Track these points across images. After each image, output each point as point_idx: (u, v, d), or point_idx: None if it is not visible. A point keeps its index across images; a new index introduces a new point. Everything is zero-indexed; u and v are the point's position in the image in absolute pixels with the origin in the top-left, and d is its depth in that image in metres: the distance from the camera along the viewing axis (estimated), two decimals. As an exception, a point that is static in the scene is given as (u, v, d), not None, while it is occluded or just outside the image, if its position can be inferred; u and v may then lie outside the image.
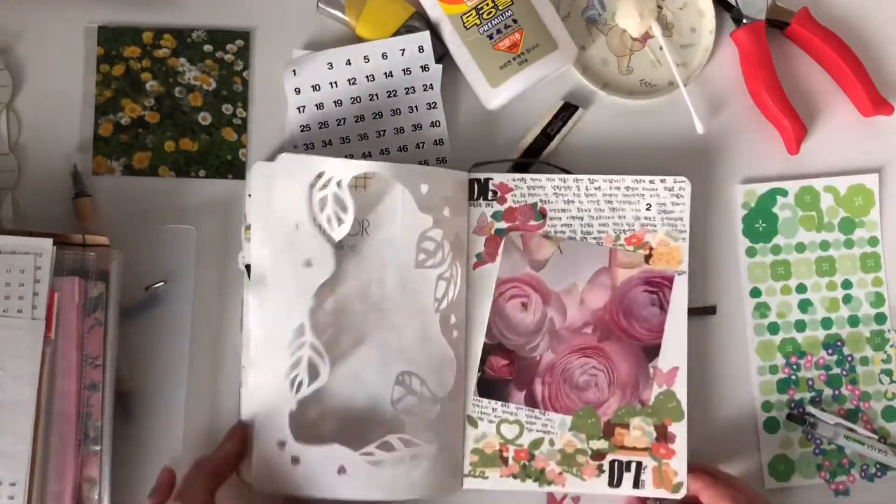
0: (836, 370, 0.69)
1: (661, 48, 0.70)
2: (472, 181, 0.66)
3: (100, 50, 0.68)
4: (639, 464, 0.64)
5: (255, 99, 0.69)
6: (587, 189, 0.66)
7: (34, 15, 0.68)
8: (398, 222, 0.64)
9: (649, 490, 0.64)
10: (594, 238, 0.66)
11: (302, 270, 0.61)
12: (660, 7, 0.71)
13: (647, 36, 0.71)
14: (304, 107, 0.68)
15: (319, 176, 0.61)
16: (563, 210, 0.66)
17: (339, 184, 0.60)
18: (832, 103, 0.72)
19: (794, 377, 0.69)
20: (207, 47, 0.69)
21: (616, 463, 0.64)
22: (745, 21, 0.70)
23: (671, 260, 0.66)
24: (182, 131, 0.67)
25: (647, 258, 0.66)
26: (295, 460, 0.60)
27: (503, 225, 0.66)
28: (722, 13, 0.71)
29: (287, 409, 0.60)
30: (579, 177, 0.66)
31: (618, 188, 0.66)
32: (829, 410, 0.68)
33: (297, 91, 0.68)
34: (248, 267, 0.63)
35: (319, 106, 0.68)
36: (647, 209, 0.66)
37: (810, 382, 0.69)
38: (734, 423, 0.68)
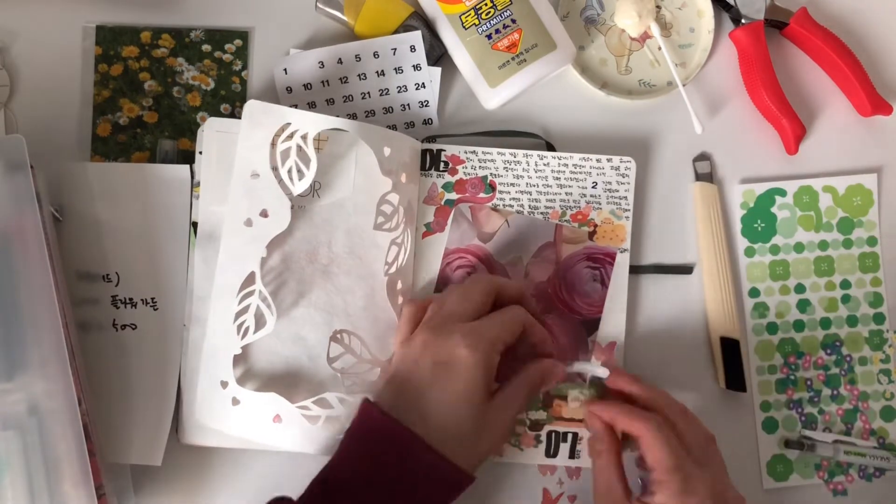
0: (835, 370, 0.69)
1: (659, 48, 0.70)
2: (424, 151, 0.66)
3: (98, 49, 0.68)
4: (574, 434, 0.65)
5: (254, 99, 0.68)
6: (536, 165, 0.67)
7: (32, 14, 0.68)
8: (350, 186, 0.64)
9: (585, 460, 0.65)
10: (541, 213, 0.67)
11: (258, 220, 0.61)
12: (658, 7, 0.71)
13: (645, 36, 0.71)
14: (296, 105, 0.68)
15: (285, 127, 0.61)
16: (513, 184, 0.67)
17: (303, 137, 0.60)
18: (831, 103, 0.72)
19: (792, 377, 0.69)
20: (206, 47, 0.68)
21: (553, 434, 0.65)
22: (743, 21, 0.70)
23: (614, 237, 0.67)
24: (180, 131, 0.67)
25: (591, 235, 0.67)
26: (235, 401, 0.61)
27: (453, 196, 0.67)
28: (720, 13, 0.71)
29: (232, 351, 0.61)
30: (529, 152, 0.67)
31: (566, 165, 0.67)
32: (827, 410, 0.69)
33: (289, 90, 0.67)
34: (195, 225, 0.62)
35: (311, 104, 0.68)
36: (593, 187, 0.67)
37: (809, 382, 0.69)
38: (732, 423, 0.68)
